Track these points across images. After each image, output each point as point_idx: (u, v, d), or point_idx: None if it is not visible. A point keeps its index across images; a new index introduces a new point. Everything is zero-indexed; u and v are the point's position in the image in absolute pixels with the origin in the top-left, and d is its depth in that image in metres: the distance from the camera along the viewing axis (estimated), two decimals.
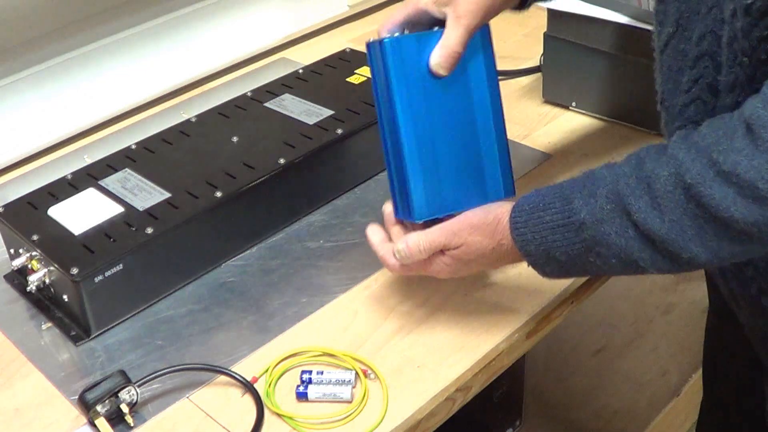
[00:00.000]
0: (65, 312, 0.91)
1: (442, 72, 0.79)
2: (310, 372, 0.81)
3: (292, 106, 1.12)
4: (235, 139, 1.06)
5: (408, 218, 0.82)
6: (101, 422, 0.77)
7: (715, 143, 0.63)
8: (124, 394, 0.78)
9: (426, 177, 0.81)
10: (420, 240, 0.79)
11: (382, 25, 0.83)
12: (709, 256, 0.65)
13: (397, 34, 0.80)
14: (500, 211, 0.77)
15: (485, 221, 0.78)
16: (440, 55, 0.78)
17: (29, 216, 0.95)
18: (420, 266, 0.81)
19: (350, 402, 0.79)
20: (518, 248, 0.75)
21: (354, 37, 1.50)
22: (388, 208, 0.84)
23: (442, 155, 0.81)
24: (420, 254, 0.80)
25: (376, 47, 0.80)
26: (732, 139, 0.62)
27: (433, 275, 0.82)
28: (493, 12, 0.81)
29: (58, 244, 0.90)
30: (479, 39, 0.82)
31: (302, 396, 0.79)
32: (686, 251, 0.65)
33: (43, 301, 0.93)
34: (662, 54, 0.78)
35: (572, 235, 0.70)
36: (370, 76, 1.17)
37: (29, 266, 0.92)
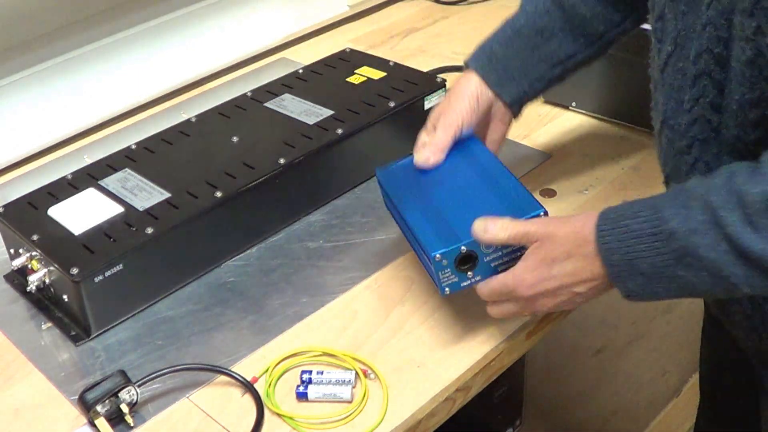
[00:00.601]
0: (65, 312, 0.91)
1: (422, 162, 0.88)
2: (310, 372, 0.81)
3: (292, 106, 1.12)
4: (235, 139, 1.06)
5: (435, 277, 0.80)
6: (101, 422, 0.77)
7: None
8: (124, 394, 0.78)
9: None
10: (506, 225, 0.76)
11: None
12: None
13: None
14: (583, 215, 0.74)
15: (570, 217, 0.75)
16: (425, 146, 0.89)
17: (29, 216, 0.95)
18: (512, 292, 0.77)
19: (350, 402, 0.79)
20: (602, 258, 0.71)
21: (354, 37, 1.50)
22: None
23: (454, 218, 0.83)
24: (503, 233, 0.76)
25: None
26: None
27: (526, 294, 0.76)
28: (473, 117, 0.90)
29: (58, 244, 0.90)
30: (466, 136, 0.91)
31: (302, 396, 0.79)
32: None
33: (43, 301, 0.93)
34: (662, 72, 0.77)
35: (660, 244, 0.67)
36: (370, 77, 1.18)
37: (29, 266, 0.92)
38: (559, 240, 0.74)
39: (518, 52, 0.92)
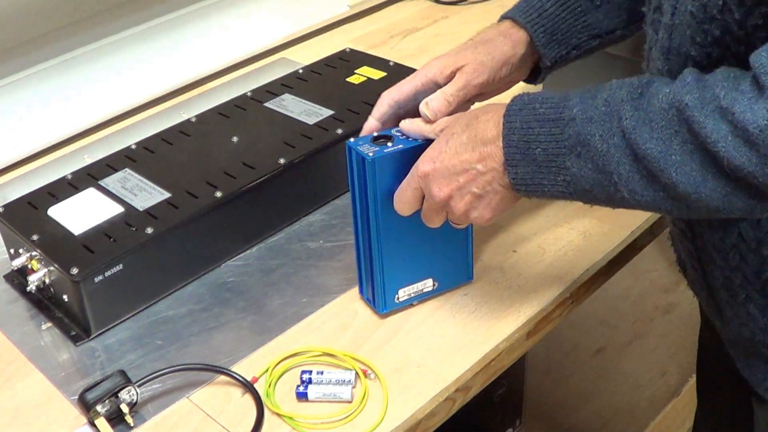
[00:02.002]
0: (65, 312, 0.91)
1: (428, 114, 0.80)
2: (310, 372, 0.81)
3: (292, 106, 1.12)
4: (235, 139, 1.06)
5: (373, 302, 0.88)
6: (101, 422, 0.77)
7: (723, 80, 0.61)
8: (124, 394, 0.78)
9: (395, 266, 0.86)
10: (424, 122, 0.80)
11: (389, 95, 0.84)
12: (689, 189, 0.62)
13: (388, 147, 0.80)
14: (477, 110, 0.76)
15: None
16: (434, 98, 0.80)
17: (29, 216, 0.95)
18: (418, 173, 0.77)
19: (350, 402, 0.79)
20: (502, 137, 0.70)
21: (354, 37, 1.50)
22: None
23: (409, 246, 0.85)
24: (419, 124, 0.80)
25: (359, 159, 0.81)
26: (739, 82, 0.60)
27: (431, 180, 0.76)
28: (493, 76, 0.83)
29: (58, 244, 0.90)
30: None
31: (302, 396, 0.79)
32: (666, 174, 0.63)
33: (43, 301, 0.93)
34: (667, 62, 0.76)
35: (558, 130, 0.67)
36: (370, 77, 1.18)
37: (29, 266, 0.92)
38: (463, 116, 0.76)
39: (569, 13, 0.87)
